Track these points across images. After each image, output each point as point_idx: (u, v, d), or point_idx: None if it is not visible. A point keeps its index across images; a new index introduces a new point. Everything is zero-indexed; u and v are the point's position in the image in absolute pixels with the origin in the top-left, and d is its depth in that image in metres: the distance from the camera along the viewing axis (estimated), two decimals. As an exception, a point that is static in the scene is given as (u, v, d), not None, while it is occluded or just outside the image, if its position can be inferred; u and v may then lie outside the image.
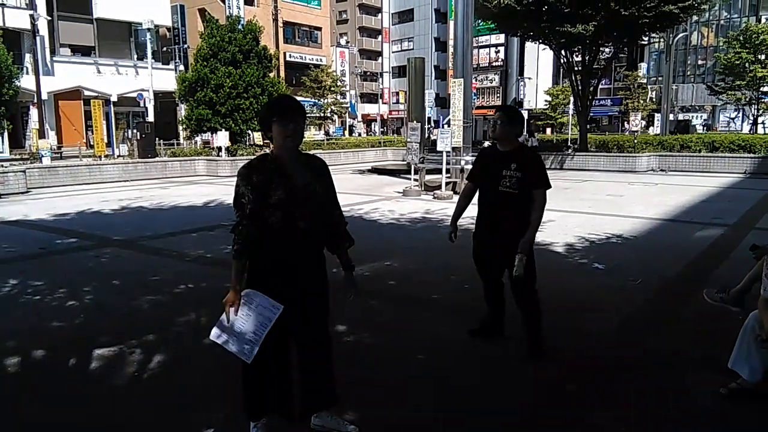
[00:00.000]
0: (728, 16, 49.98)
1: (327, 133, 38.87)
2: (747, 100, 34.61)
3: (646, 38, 37.83)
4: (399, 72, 62.05)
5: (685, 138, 22.16)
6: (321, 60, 46.66)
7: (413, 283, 6.19)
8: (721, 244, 7.97)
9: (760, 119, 34.98)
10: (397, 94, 62.14)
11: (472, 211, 4.32)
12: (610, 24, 19.69)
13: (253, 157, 2.93)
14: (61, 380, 3.83)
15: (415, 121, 15.86)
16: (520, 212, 3.90)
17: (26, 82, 24.45)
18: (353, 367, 3.62)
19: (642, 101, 44.83)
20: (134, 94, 28.26)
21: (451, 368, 3.96)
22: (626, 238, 8.32)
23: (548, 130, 43.59)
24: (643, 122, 37.63)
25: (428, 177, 15.23)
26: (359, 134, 47.63)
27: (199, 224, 9.93)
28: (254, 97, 21.57)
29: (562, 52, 22.57)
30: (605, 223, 9.45)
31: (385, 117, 61.86)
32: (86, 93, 27.09)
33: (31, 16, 24.51)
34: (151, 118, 26.62)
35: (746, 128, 38.69)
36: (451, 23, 39.83)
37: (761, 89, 33.41)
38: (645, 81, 49.05)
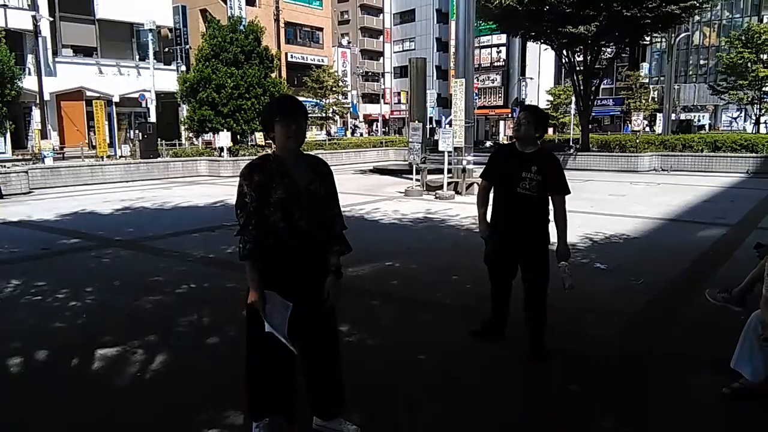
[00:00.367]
0: (730, 16, 49.94)
1: (329, 134, 38.87)
2: (749, 99, 34.57)
3: (648, 38, 37.82)
4: (401, 72, 62.01)
5: (687, 138, 22.15)
6: (323, 60, 46.69)
7: (415, 284, 6.18)
8: (724, 244, 7.96)
9: (762, 119, 34.93)
10: (399, 94, 62.13)
11: (472, 211, 4.30)
12: (611, 24, 19.68)
13: (254, 157, 2.93)
14: (63, 380, 3.83)
15: (416, 121, 15.86)
16: (537, 216, 3.88)
17: (28, 82, 24.48)
18: (354, 368, 3.62)
19: (644, 101, 44.79)
20: (136, 95, 28.31)
21: (452, 369, 3.96)
22: (628, 238, 8.31)
23: (550, 130, 43.48)
24: (646, 122, 37.60)
25: (430, 177, 15.23)
26: (361, 134, 47.64)
27: (201, 224, 9.94)
28: (256, 98, 21.58)
29: (564, 52, 22.55)
30: (607, 222, 9.44)
31: (387, 117, 61.87)
32: (88, 94, 27.16)
33: (34, 17, 24.57)
34: (153, 118, 26.66)
35: (749, 128, 38.63)
36: (453, 23, 39.86)
37: (763, 89, 33.36)
38: (647, 81, 49.02)
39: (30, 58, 26.17)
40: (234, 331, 4.48)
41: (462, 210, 10.99)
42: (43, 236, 8.98)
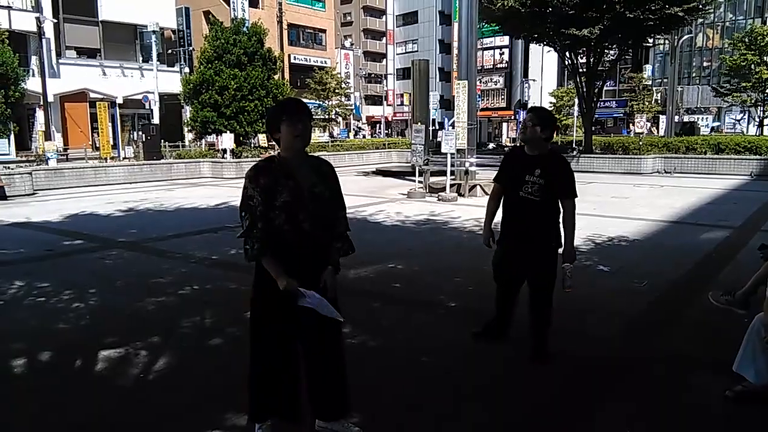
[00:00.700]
0: (733, 18, 49.85)
1: (331, 135, 38.91)
2: (753, 101, 34.50)
3: (651, 40, 37.78)
4: (403, 74, 62.07)
5: (690, 140, 22.08)
6: (325, 62, 46.76)
7: (417, 285, 6.18)
8: (727, 247, 7.95)
9: (766, 121, 34.84)
10: (402, 96, 62.17)
11: (475, 213, 4.30)
12: (614, 26, 19.65)
13: (258, 159, 2.94)
14: (65, 381, 3.84)
15: (419, 123, 15.86)
16: (541, 221, 3.82)
17: (32, 84, 24.59)
18: (357, 369, 3.61)
19: (647, 103, 44.74)
20: (140, 96, 28.38)
21: (454, 370, 3.96)
22: (631, 240, 8.30)
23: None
24: (648, 124, 37.54)
25: (433, 179, 15.23)
26: (363, 136, 47.68)
27: (203, 226, 9.96)
28: (259, 99, 21.63)
29: (567, 54, 22.53)
30: (610, 224, 9.43)
31: (390, 119, 61.90)
32: (92, 95, 27.24)
33: (37, 18, 24.65)
34: (156, 120, 26.72)
35: (752, 130, 38.55)
36: (455, 25, 39.87)
37: (767, 91, 33.29)
38: (650, 83, 48.95)
39: (34, 60, 26.28)
40: (237, 333, 4.48)
41: (464, 212, 10.99)
42: (47, 237, 9.01)
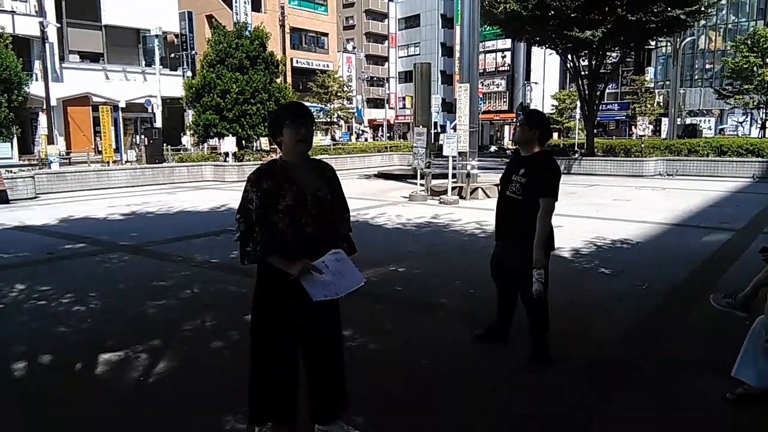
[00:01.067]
0: (736, 20, 49.83)
1: (333, 139, 38.93)
2: (755, 103, 34.45)
3: (654, 42, 37.71)
4: (405, 77, 62.13)
5: (692, 142, 22.07)
6: (328, 65, 46.82)
7: (419, 288, 6.18)
8: (729, 249, 7.93)
9: (768, 123, 34.81)
10: (404, 99, 62.21)
11: (476, 216, 4.32)
12: (617, 29, 19.64)
13: (260, 162, 2.94)
14: (66, 384, 3.85)
15: (421, 126, 15.87)
16: (524, 220, 3.81)
17: (35, 88, 24.65)
18: (358, 372, 3.62)
19: (649, 105, 44.72)
20: (142, 100, 28.44)
21: (456, 372, 3.96)
22: (633, 243, 8.29)
23: (555, 135, 43.47)
24: (651, 126, 37.51)
25: (434, 182, 15.23)
26: (366, 139, 47.72)
27: (205, 229, 9.97)
28: (261, 103, 21.65)
29: (569, 56, 22.53)
30: (612, 227, 9.42)
31: (392, 122, 61.95)
32: (95, 99, 27.30)
33: (41, 23, 24.74)
34: (158, 123, 26.77)
35: (755, 132, 38.50)
36: (458, 28, 39.90)
37: (769, 93, 33.26)
38: (652, 85, 48.92)
39: (37, 64, 26.35)
40: (238, 336, 4.49)
41: (466, 215, 10.98)
42: (49, 241, 9.03)
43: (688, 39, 35.00)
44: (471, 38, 15.26)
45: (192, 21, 34.31)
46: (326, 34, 48.93)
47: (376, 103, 63.10)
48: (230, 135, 21.29)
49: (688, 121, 43.98)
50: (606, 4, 19.10)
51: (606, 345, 4.46)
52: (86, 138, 27.18)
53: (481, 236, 8.73)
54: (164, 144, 22.79)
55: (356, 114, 50.89)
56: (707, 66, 51.48)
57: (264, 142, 22.73)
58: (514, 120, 53.13)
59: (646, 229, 9.34)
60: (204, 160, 21.86)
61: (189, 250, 8.14)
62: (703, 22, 35.75)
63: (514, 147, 4.25)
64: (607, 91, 29.50)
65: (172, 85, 29.17)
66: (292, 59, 43.35)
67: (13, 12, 25.01)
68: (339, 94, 41.66)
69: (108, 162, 20.11)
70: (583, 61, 22.83)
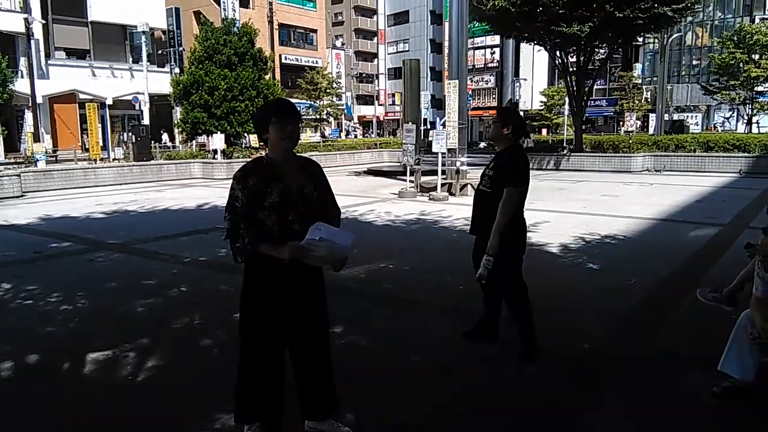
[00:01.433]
0: (722, 17, 50.21)
1: (323, 135, 38.86)
2: (741, 99, 34.74)
3: (641, 39, 37.91)
4: (395, 73, 62.07)
5: (679, 138, 22.24)
6: (317, 62, 46.67)
7: (408, 285, 6.19)
8: (716, 244, 8.00)
9: (754, 119, 35.11)
10: (393, 95, 62.20)
11: (466, 212, 4.34)
12: (604, 25, 19.74)
13: (248, 159, 2.92)
14: (53, 384, 3.82)
15: (410, 123, 15.88)
16: (491, 211, 3.86)
17: (21, 85, 24.41)
18: (348, 369, 3.61)
19: (637, 101, 44.98)
20: (129, 97, 28.23)
21: (445, 369, 3.96)
22: (621, 238, 8.34)
23: (544, 131, 43.68)
24: (639, 122, 37.75)
25: (424, 178, 15.24)
26: (355, 136, 47.67)
27: (193, 227, 9.92)
28: (250, 100, 21.56)
29: (557, 53, 22.61)
30: (600, 223, 9.47)
31: (382, 119, 61.89)
32: (81, 96, 27.07)
33: (26, 19, 24.44)
34: (146, 121, 26.58)
35: (741, 128, 38.83)
36: (446, 25, 39.90)
37: (755, 89, 33.54)
38: (640, 81, 49.23)
39: (22, 61, 26.07)
40: (226, 334, 4.47)
41: (455, 211, 11.00)
42: (35, 240, 8.95)
43: (675, 35, 35.17)
44: (460, 35, 15.27)
45: (179, 17, 34.07)
46: (315, 31, 48.76)
47: (366, 99, 63.00)
48: (219, 132, 21.19)
49: (676, 116, 44.30)
50: (594, 1, 19.18)
51: (594, 340, 4.49)
52: (73, 135, 26.96)
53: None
54: (152, 141, 22.63)
55: (346, 111, 50.78)
56: (694, 62, 51.85)
57: (253, 139, 22.67)
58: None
59: (633, 225, 9.40)
60: (192, 157, 21.74)
61: (177, 248, 8.09)
62: (690, 18, 35.98)
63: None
64: (595, 87, 29.66)
65: (160, 81, 28.95)
66: (280, 56, 43.16)
67: (-3, 8, 24.73)
68: (328, 90, 41.52)
69: (95, 160, 19.96)
70: (572, 57, 22.93)
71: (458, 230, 9.15)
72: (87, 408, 3.48)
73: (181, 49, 33.29)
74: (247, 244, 2.63)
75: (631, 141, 21.98)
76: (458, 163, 14.49)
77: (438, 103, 50.73)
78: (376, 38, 67.03)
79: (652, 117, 36.39)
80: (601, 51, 24.83)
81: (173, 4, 33.53)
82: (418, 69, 18.05)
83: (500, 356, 4.16)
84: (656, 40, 38.21)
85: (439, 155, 13.96)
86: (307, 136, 36.05)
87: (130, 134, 23.04)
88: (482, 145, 38.77)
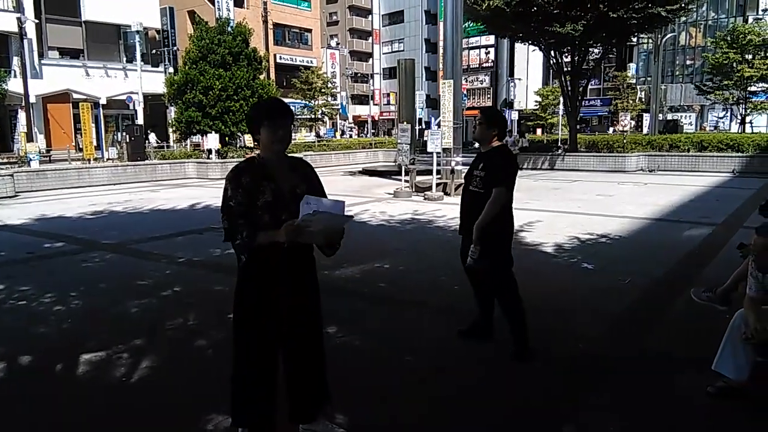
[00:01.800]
0: (716, 17, 50.40)
1: (318, 135, 38.82)
2: (735, 99, 34.89)
3: (635, 39, 38.01)
4: (390, 73, 62.04)
5: (673, 138, 22.31)
6: (311, 62, 46.62)
7: (403, 285, 6.18)
8: (710, 243, 8.03)
9: (747, 118, 35.26)
10: (388, 95, 62.14)
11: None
12: (598, 25, 19.78)
13: (242, 159, 2.90)
14: (47, 385, 3.79)
15: (405, 123, 15.87)
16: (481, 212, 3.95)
17: (14, 85, 24.28)
18: (342, 369, 3.61)
19: (631, 101, 45.10)
20: (123, 97, 28.12)
21: (440, 369, 3.96)
22: (615, 238, 8.36)
23: (539, 131, 43.79)
24: (633, 122, 37.84)
25: (419, 178, 15.24)
26: (350, 136, 47.63)
27: (188, 227, 9.89)
28: (244, 99, 21.51)
29: (552, 52, 22.65)
30: (595, 222, 9.49)
31: (377, 118, 61.84)
32: (75, 96, 26.92)
33: (19, 19, 24.31)
34: (140, 120, 26.49)
35: (734, 128, 38.99)
36: (441, 25, 39.92)
37: (748, 89, 33.68)
38: (634, 81, 49.33)
39: (15, 61, 25.92)
40: (220, 334, 4.45)
41: (450, 211, 11.00)
42: (28, 240, 8.90)
43: (669, 35, 35.30)
44: (454, 34, 15.27)
45: (173, 17, 33.97)
46: (309, 30, 48.71)
47: (361, 99, 62.93)
48: (213, 132, 21.14)
49: (670, 116, 44.43)
50: (588, 1, 19.22)
51: (588, 339, 4.49)
52: (67, 135, 26.82)
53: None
54: (146, 141, 22.54)
55: (341, 110, 50.71)
56: (688, 62, 52.04)
57: (248, 139, 22.64)
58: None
59: (628, 224, 9.42)
60: (187, 157, 21.68)
61: (171, 249, 8.07)
62: (683, 18, 36.08)
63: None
64: (589, 87, 29.70)
65: (154, 81, 28.84)
66: (275, 55, 43.09)
67: (-10, 8, 24.59)
68: (323, 90, 41.49)
69: (89, 160, 19.89)
70: (566, 57, 22.96)
71: (453, 230, 9.13)
72: (81, 409, 3.46)
73: (175, 48, 33.19)
74: (245, 237, 2.61)
75: (625, 141, 22.04)
76: (453, 163, 14.50)
77: (433, 103, 50.79)
78: (370, 38, 66.96)
79: (646, 117, 36.56)
80: (596, 51, 24.88)
81: (167, 4, 33.43)
82: (413, 69, 18.01)
83: (495, 356, 4.16)
84: (650, 40, 38.30)
85: (434, 155, 13.95)
86: (302, 135, 36.07)
87: (124, 134, 22.97)
88: (477, 144, 38.83)
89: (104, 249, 8.16)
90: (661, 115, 36.91)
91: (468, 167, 4.36)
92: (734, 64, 33.37)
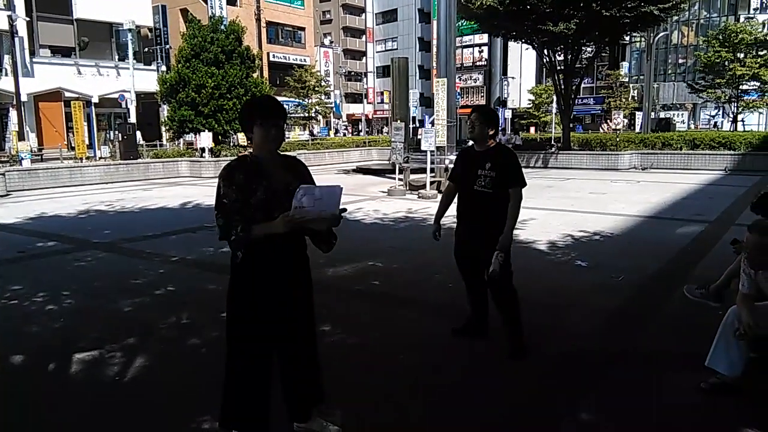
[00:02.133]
0: (708, 16, 50.63)
1: (312, 134, 38.75)
2: (727, 98, 35.06)
3: (628, 37, 38.09)
4: (383, 72, 61.99)
5: (666, 136, 22.39)
6: (305, 60, 46.53)
7: (397, 283, 6.18)
8: (702, 241, 8.06)
9: (739, 117, 35.44)
10: (382, 93, 62.08)
11: (453, 210, 4.34)
12: (591, 23, 19.84)
13: (235, 158, 2.89)
14: (39, 385, 3.77)
15: (399, 121, 15.87)
16: (494, 211, 3.96)
17: (5, 83, 24.12)
18: (336, 368, 3.60)
19: (624, 100, 45.24)
20: (116, 95, 27.97)
21: (434, 367, 3.96)
22: (608, 236, 8.38)
23: (532, 129, 43.78)
24: (625, 120, 37.99)
25: (413, 176, 15.25)
26: (344, 134, 47.59)
27: (181, 226, 9.85)
28: (237, 98, 21.45)
29: (545, 51, 22.70)
30: (588, 220, 9.51)
31: (370, 117, 61.82)
32: (67, 94, 26.77)
33: (10, 17, 24.13)
34: (133, 119, 26.36)
35: (727, 126, 39.17)
36: (434, 23, 39.94)
37: (740, 87, 33.85)
38: (627, 80, 49.51)
39: (6, 59, 25.74)
40: (214, 334, 4.44)
41: (444, 209, 11.00)
42: (20, 239, 8.84)
43: (661, 34, 35.43)
44: (448, 33, 15.29)
45: (166, 15, 33.85)
46: (303, 29, 48.63)
47: (355, 97, 62.88)
48: (206, 130, 21.07)
49: (662, 115, 44.59)
50: (581, 0, 19.27)
51: (582, 337, 4.50)
52: (58, 134, 26.66)
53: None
54: (140, 140, 22.45)
55: (334, 109, 50.69)
56: (680, 61, 52.26)
57: (241, 138, 22.54)
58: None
59: (621, 222, 9.45)
60: (180, 155, 21.60)
61: (164, 248, 8.03)
62: (676, 17, 36.24)
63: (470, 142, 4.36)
64: (582, 85, 29.81)
65: (146, 79, 28.73)
66: (268, 54, 43.00)
67: (-20, 5, 24.40)
68: (317, 88, 41.43)
69: (81, 158, 19.79)
70: (559, 55, 23.01)
71: (447, 228, 9.13)
72: (73, 408, 3.44)
73: (167, 46, 33.07)
74: (240, 232, 2.59)
75: (618, 139, 22.11)
76: (447, 161, 14.49)
77: (427, 102, 50.73)
78: (364, 36, 66.92)
79: (639, 115, 36.68)
80: (589, 49, 24.95)
81: (160, 2, 33.32)
82: (407, 67, 18.06)
83: (489, 354, 4.16)
84: (643, 39, 38.39)
85: (428, 153, 13.96)
86: (296, 134, 35.96)
87: (116, 132, 22.85)
88: (470, 143, 38.86)
89: (97, 248, 8.12)
90: (653, 113, 37.04)
91: (459, 166, 4.30)
92: (726, 63, 33.53)
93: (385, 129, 54.71)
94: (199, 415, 3.22)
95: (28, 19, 26.20)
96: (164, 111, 25.69)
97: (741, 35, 33.00)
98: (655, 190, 13.91)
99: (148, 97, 28.67)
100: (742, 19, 42.87)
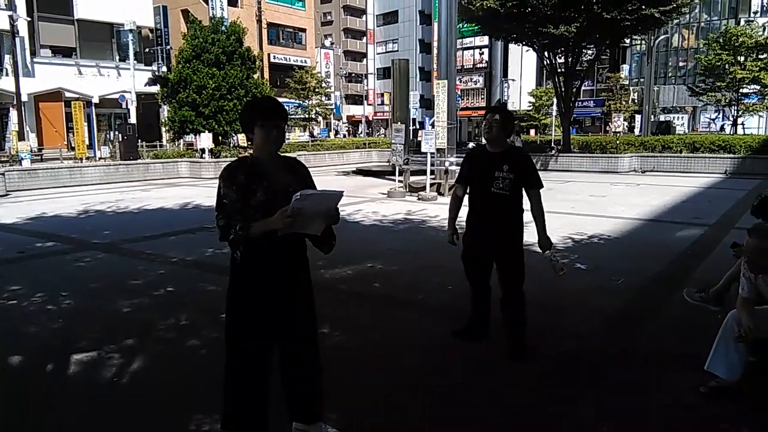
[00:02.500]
0: (708, 19, 50.63)
1: (312, 135, 38.74)
2: (727, 101, 35.07)
3: (628, 40, 38.10)
4: (384, 73, 62.00)
5: (666, 139, 22.40)
6: (305, 61, 46.54)
7: (396, 285, 6.18)
8: (702, 244, 8.06)
9: (739, 120, 35.44)
10: (382, 95, 62.09)
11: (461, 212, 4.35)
12: (592, 26, 19.85)
13: (235, 158, 2.88)
14: (37, 385, 3.76)
15: (399, 123, 15.87)
16: (511, 213, 3.99)
17: (6, 83, 24.14)
18: (336, 369, 3.60)
19: (624, 102, 45.23)
20: (116, 96, 28.01)
21: (434, 368, 3.95)
22: (608, 238, 8.38)
23: (532, 132, 43.81)
24: (626, 123, 37.98)
25: (412, 178, 15.24)
26: (344, 135, 47.59)
27: (180, 227, 9.85)
28: (238, 99, 21.46)
29: (545, 53, 22.70)
30: (588, 223, 9.51)
31: (371, 118, 61.84)
32: (67, 94, 26.80)
33: (11, 17, 24.16)
34: (133, 119, 26.37)
35: (727, 129, 39.17)
36: (435, 25, 39.95)
37: (741, 90, 33.86)
38: (627, 82, 49.48)
39: (7, 59, 25.77)
40: (213, 334, 4.43)
41: (444, 211, 10.93)
42: (19, 239, 8.83)
43: (662, 37, 35.43)
44: (449, 35, 15.30)
45: (167, 15, 33.85)
46: (304, 30, 48.63)
47: (355, 99, 62.92)
48: (206, 131, 21.08)
49: (662, 118, 44.59)
50: (581, 2, 19.28)
51: (582, 339, 4.50)
52: (59, 134, 26.68)
53: (459, 232, 8.74)
54: (138, 140, 22.45)
55: (335, 110, 50.68)
56: (680, 63, 52.25)
57: (241, 139, 22.55)
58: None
59: (621, 225, 9.45)
60: (180, 156, 21.60)
61: (164, 248, 8.03)
62: (676, 20, 36.23)
63: (482, 143, 4.36)
64: (583, 88, 29.79)
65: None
66: (269, 55, 42.99)
67: (-19, 5, 24.43)
68: (317, 90, 41.41)
69: (81, 158, 19.79)
70: (560, 58, 23.01)
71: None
72: (72, 408, 3.43)
73: (168, 47, 33.06)
74: (239, 230, 2.58)
75: (618, 142, 22.11)
76: (447, 163, 14.49)
77: (427, 103, 50.73)
78: (365, 38, 66.96)
79: (638, 118, 36.68)
80: (589, 52, 24.95)
81: (161, 2, 33.30)
82: (407, 69, 18.07)
83: (489, 356, 4.16)
84: (643, 42, 38.43)
85: (428, 155, 13.96)
86: (296, 135, 35.95)
87: (116, 133, 22.86)
88: (471, 145, 38.87)
89: (96, 248, 8.11)
90: (653, 116, 37.05)
91: (469, 168, 4.24)
92: (726, 66, 33.55)
93: (383, 130, 54.79)
94: (199, 416, 3.22)
95: (29, 19, 26.22)
96: (164, 111, 25.70)
97: (741, 38, 33.02)
98: (655, 193, 13.90)
99: (148, 98, 28.67)
100: (742, 23, 42.93)
